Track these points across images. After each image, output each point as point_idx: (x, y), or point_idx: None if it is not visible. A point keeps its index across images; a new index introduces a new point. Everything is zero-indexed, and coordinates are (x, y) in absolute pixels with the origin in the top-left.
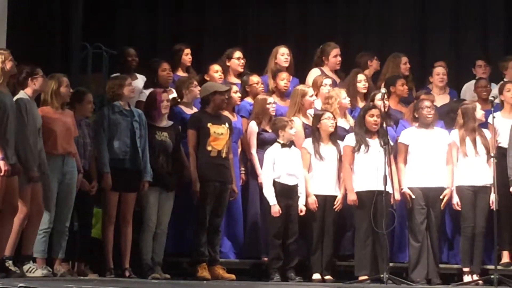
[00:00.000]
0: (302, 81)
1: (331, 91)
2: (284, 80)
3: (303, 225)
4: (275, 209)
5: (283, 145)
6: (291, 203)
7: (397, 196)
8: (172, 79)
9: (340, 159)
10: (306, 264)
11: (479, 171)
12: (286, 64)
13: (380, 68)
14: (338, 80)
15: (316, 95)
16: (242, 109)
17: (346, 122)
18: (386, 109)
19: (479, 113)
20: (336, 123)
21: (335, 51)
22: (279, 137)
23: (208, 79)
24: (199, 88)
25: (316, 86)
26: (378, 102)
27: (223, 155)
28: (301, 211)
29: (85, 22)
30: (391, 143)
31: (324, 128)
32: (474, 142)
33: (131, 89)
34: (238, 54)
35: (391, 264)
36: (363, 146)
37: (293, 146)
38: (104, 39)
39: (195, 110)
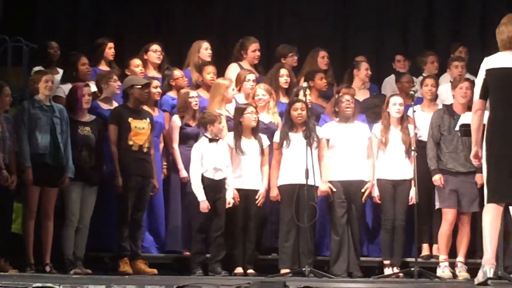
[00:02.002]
0: (222, 75)
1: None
2: (210, 73)
3: (229, 219)
4: (204, 205)
5: (210, 140)
6: (218, 197)
7: (323, 188)
8: (91, 74)
9: (262, 153)
10: (230, 258)
11: (399, 165)
12: (209, 59)
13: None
14: (257, 75)
15: (239, 90)
16: (164, 103)
17: (267, 116)
18: (309, 104)
19: (393, 108)
20: (258, 117)
21: (254, 45)
22: (207, 132)
23: (129, 73)
24: (119, 83)
25: (240, 81)
26: (301, 97)
27: (145, 149)
28: (229, 203)
29: (4, 15)
30: (315, 137)
31: (247, 123)
32: (394, 136)
33: (48, 85)
34: (155, 47)
35: (313, 258)
36: (285, 141)
37: (220, 140)
38: (24, 32)
39: (115, 105)
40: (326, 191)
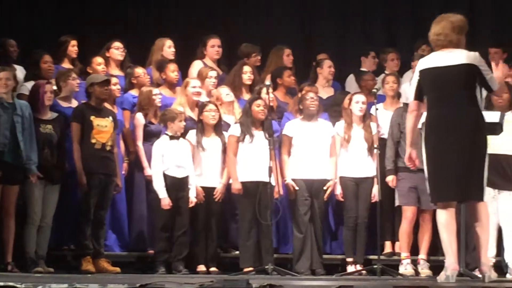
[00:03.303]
0: (184, 73)
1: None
2: (174, 72)
3: (192, 217)
4: (165, 202)
5: (171, 137)
6: (181, 195)
7: (281, 188)
8: (53, 71)
9: (224, 151)
10: (193, 256)
11: (361, 163)
12: (173, 57)
13: (262, 61)
14: (220, 72)
15: (201, 87)
16: (125, 101)
17: (233, 116)
18: (271, 102)
19: (356, 106)
20: (219, 115)
21: (213, 41)
22: (168, 129)
23: (91, 71)
24: (78, 81)
25: (202, 78)
26: (263, 94)
27: (107, 147)
28: (191, 203)
29: None
30: (276, 136)
31: (206, 120)
32: (357, 133)
33: (2, 83)
34: (117, 44)
35: (275, 255)
36: (248, 137)
37: (181, 138)
38: None
39: (74, 103)
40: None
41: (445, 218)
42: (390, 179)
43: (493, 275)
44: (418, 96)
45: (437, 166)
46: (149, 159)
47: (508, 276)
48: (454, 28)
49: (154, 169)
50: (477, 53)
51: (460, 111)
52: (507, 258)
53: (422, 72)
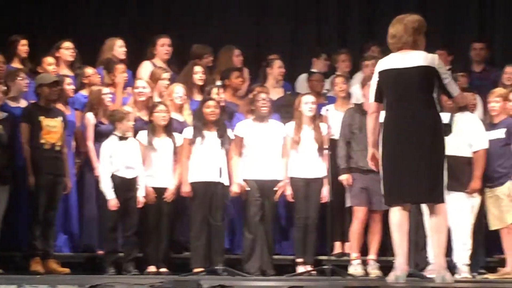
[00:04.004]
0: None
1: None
2: (123, 73)
3: (142, 217)
4: (113, 203)
5: (120, 138)
6: (131, 196)
7: (234, 189)
8: (4, 71)
9: (175, 152)
10: (143, 257)
11: (312, 163)
12: (124, 56)
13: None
14: (170, 72)
15: (154, 88)
16: (76, 101)
17: (181, 116)
18: (222, 102)
19: (306, 107)
20: (170, 115)
21: (162, 40)
22: (116, 129)
23: (41, 71)
24: (27, 80)
25: (155, 79)
26: (214, 95)
27: (57, 148)
28: (140, 203)
29: None
30: (229, 136)
31: (157, 121)
32: (308, 134)
33: None
34: (67, 44)
35: (226, 256)
36: (199, 138)
37: (130, 138)
38: None
39: (23, 103)
40: (238, 192)
41: (398, 219)
42: (345, 177)
43: (448, 276)
44: (378, 97)
45: (395, 167)
46: (99, 159)
47: (456, 276)
48: (409, 30)
49: (102, 170)
50: (436, 55)
51: (418, 113)
52: (455, 258)
53: (381, 74)
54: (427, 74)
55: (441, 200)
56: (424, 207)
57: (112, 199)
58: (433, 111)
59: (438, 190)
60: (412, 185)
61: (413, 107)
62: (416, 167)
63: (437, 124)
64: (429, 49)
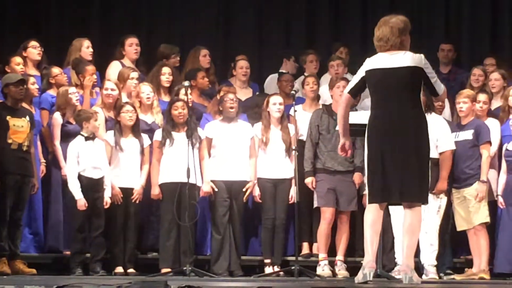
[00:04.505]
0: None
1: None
2: (93, 74)
3: (109, 217)
4: (81, 203)
5: (87, 138)
6: (98, 196)
7: (205, 189)
8: None
9: (142, 152)
10: (110, 257)
11: (279, 164)
12: (91, 57)
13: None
14: (138, 72)
15: (122, 88)
16: (44, 101)
17: (151, 116)
18: (190, 103)
19: (274, 108)
20: (137, 116)
21: (130, 40)
22: (83, 129)
23: (9, 71)
24: None
25: (123, 79)
26: (182, 96)
27: (24, 148)
28: (106, 204)
29: None
30: (198, 137)
31: (124, 121)
32: (275, 135)
33: None
34: (33, 43)
35: (194, 257)
36: (168, 140)
37: (96, 139)
38: None
39: None
40: (208, 192)
41: (372, 218)
42: (309, 180)
43: (415, 277)
44: (354, 92)
45: (379, 166)
46: (65, 159)
47: (423, 277)
48: (395, 32)
49: (69, 170)
50: (422, 55)
51: (404, 113)
52: (422, 259)
53: (368, 73)
54: (414, 74)
55: (426, 200)
56: (392, 209)
57: (80, 199)
58: (418, 111)
59: (424, 191)
60: (398, 185)
61: (399, 107)
62: (402, 167)
63: (423, 124)
64: None
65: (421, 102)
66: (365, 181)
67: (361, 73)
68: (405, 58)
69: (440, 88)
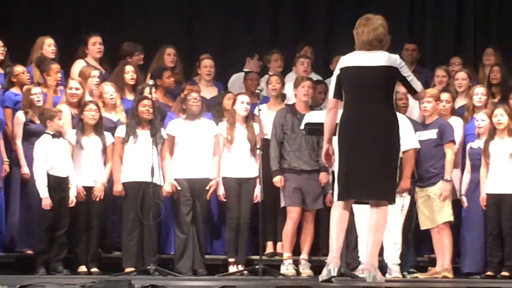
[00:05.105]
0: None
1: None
2: (58, 73)
3: (72, 217)
4: (47, 202)
5: (53, 136)
6: (64, 195)
7: (167, 188)
8: None
9: (105, 151)
10: (74, 257)
11: (244, 163)
12: (53, 55)
13: (147, 60)
14: (103, 71)
15: (84, 86)
16: (7, 99)
17: (115, 115)
18: (155, 102)
19: (240, 107)
20: (100, 114)
21: (93, 39)
22: (47, 128)
23: None
24: None
25: (84, 77)
26: (147, 95)
27: None
28: (71, 203)
29: None
30: (163, 135)
31: (86, 120)
32: (240, 134)
33: None
34: None
35: (157, 256)
36: (132, 137)
37: (62, 137)
38: None
39: None
40: (170, 192)
41: (339, 215)
42: (278, 179)
43: (379, 276)
44: (337, 94)
45: (350, 164)
46: (27, 158)
47: (387, 276)
48: (386, 31)
49: (37, 168)
50: (397, 56)
51: (377, 112)
52: (386, 258)
53: (343, 70)
54: (389, 74)
55: (393, 200)
56: (356, 208)
57: (45, 198)
58: (391, 111)
59: (392, 190)
60: (368, 183)
61: (372, 106)
62: (373, 166)
63: (394, 124)
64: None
65: (393, 102)
66: (331, 179)
67: (336, 72)
68: (381, 58)
69: (418, 86)
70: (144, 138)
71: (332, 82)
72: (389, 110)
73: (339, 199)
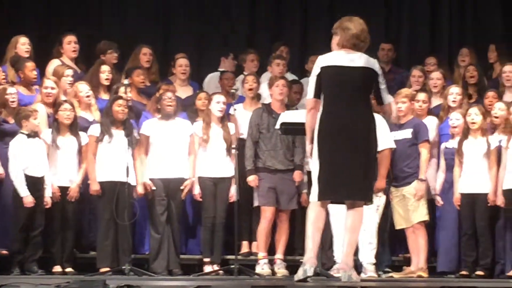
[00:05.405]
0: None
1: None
2: (33, 71)
3: (47, 216)
4: (28, 200)
5: (28, 136)
6: (39, 195)
7: (140, 189)
8: None
9: (80, 151)
10: (48, 257)
11: (220, 163)
12: (27, 54)
13: (123, 60)
14: (79, 71)
15: (58, 86)
16: None
17: (90, 114)
18: (129, 101)
19: (216, 106)
20: (75, 114)
21: (68, 38)
22: (22, 128)
23: None
24: None
25: (58, 76)
26: (122, 94)
27: None
28: (47, 204)
29: None
30: (135, 135)
31: (61, 119)
32: (215, 133)
33: None
34: None
35: (132, 256)
36: (106, 136)
37: (37, 137)
38: None
39: None
40: (142, 193)
41: (315, 215)
42: (252, 179)
43: (354, 275)
44: (317, 93)
45: (328, 163)
46: (2, 158)
47: (362, 275)
48: (367, 32)
49: (13, 168)
50: (376, 60)
51: (355, 112)
52: (361, 257)
53: (323, 69)
54: (369, 76)
55: (371, 200)
56: (332, 208)
57: (26, 196)
58: (369, 111)
59: (370, 190)
60: (346, 183)
61: (351, 105)
62: (351, 166)
63: (372, 124)
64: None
65: (371, 103)
66: (305, 179)
67: (316, 71)
68: (361, 59)
69: (387, 98)
70: (118, 138)
71: (311, 81)
72: (367, 110)
73: (319, 199)
